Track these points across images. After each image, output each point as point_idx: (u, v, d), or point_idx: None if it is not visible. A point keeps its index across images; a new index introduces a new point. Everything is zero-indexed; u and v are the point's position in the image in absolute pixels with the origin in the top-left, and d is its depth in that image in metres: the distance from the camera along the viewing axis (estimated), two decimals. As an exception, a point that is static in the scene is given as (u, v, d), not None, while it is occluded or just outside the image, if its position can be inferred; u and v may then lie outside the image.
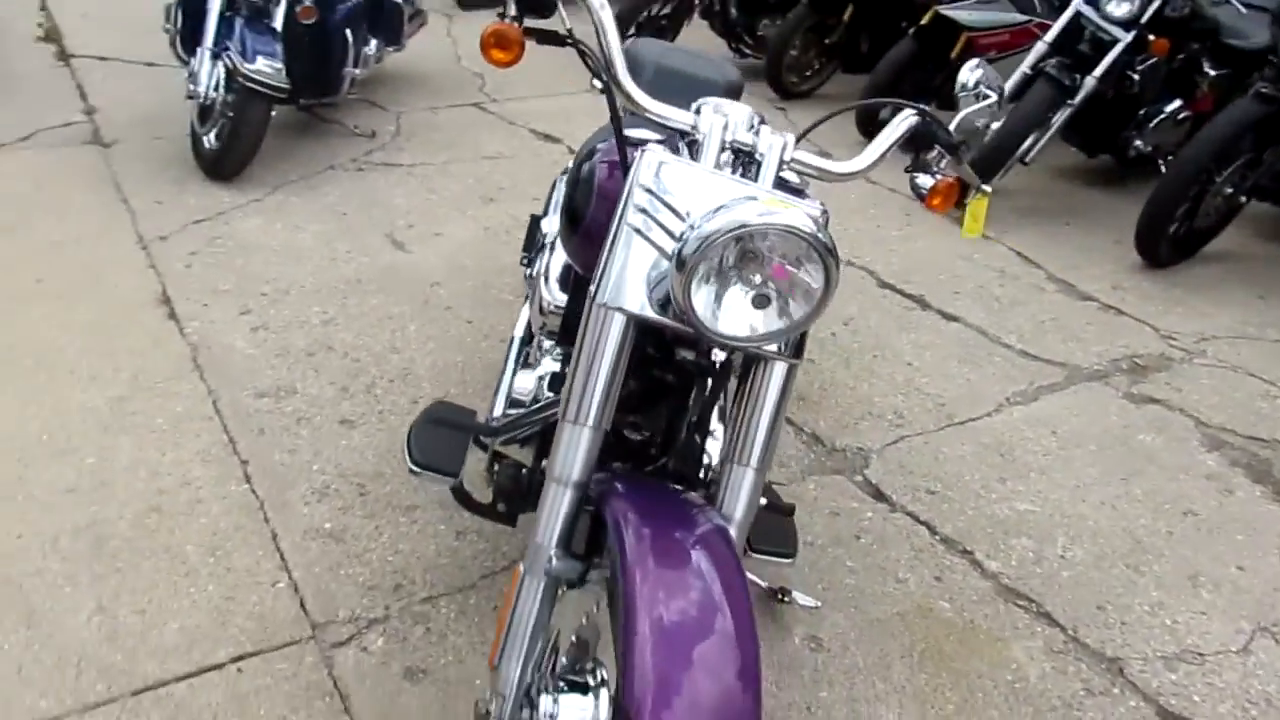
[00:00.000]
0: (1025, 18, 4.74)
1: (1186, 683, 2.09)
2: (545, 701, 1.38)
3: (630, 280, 1.43)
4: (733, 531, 1.47)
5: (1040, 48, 4.25)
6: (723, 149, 1.52)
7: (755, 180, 1.52)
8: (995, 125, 1.98)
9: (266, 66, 3.92)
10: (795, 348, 1.50)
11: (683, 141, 1.59)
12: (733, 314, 1.36)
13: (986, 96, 1.82)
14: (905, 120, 1.66)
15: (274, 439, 2.61)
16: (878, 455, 2.70)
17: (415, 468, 1.90)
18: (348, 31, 4.52)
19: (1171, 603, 2.29)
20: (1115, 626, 2.20)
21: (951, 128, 1.76)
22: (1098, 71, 4.17)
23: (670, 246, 1.36)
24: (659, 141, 1.56)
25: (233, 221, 3.83)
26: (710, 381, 1.68)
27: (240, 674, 1.94)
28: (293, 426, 2.67)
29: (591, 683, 1.40)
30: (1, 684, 1.87)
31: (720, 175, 1.48)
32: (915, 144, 1.76)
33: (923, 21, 4.90)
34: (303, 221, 3.86)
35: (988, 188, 1.88)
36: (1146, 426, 2.91)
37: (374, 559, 2.25)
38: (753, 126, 1.58)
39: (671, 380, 1.67)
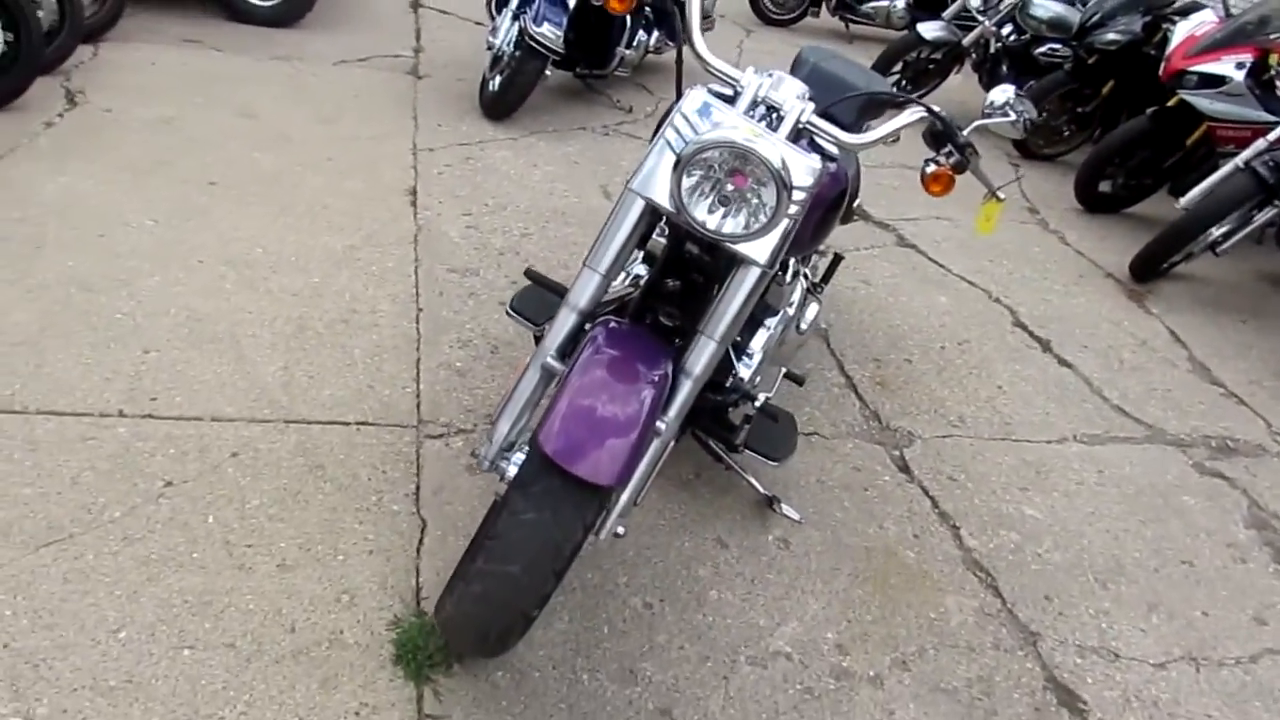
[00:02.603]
0: (1273, 118, 4.69)
1: (1088, 668, 2.30)
2: (516, 455, 1.93)
3: (656, 178, 1.94)
4: (688, 382, 1.95)
5: (1260, 144, 4.26)
6: (756, 103, 2.00)
7: (775, 131, 1.98)
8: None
9: (550, 32, 4.72)
10: (770, 261, 1.95)
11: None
12: (711, 213, 1.84)
13: (1007, 115, 2.15)
14: (913, 114, 2.03)
15: (447, 300, 3.32)
16: (922, 441, 3.02)
17: (510, 311, 2.51)
18: (627, 17, 5.27)
19: (1117, 614, 2.48)
20: (1051, 613, 2.44)
21: (966, 132, 2.11)
22: (1314, 180, 4.13)
23: None
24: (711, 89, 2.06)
25: (487, 150, 4.65)
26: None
27: (357, 432, 2.63)
28: (465, 296, 3.37)
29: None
30: (208, 390, 2.67)
31: (741, 116, 1.95)
32: (935, 141, 2.13)
33: (1168, 104, 4.97)
34: (540, 161, 4.62)
35: (1002, 195, 2.20)
36: (1197, 492, 3.02)
37: (481, 394, 2.89)
38: (800, 95, 2.03)
39: (700, 281, 2.17)
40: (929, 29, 6.26)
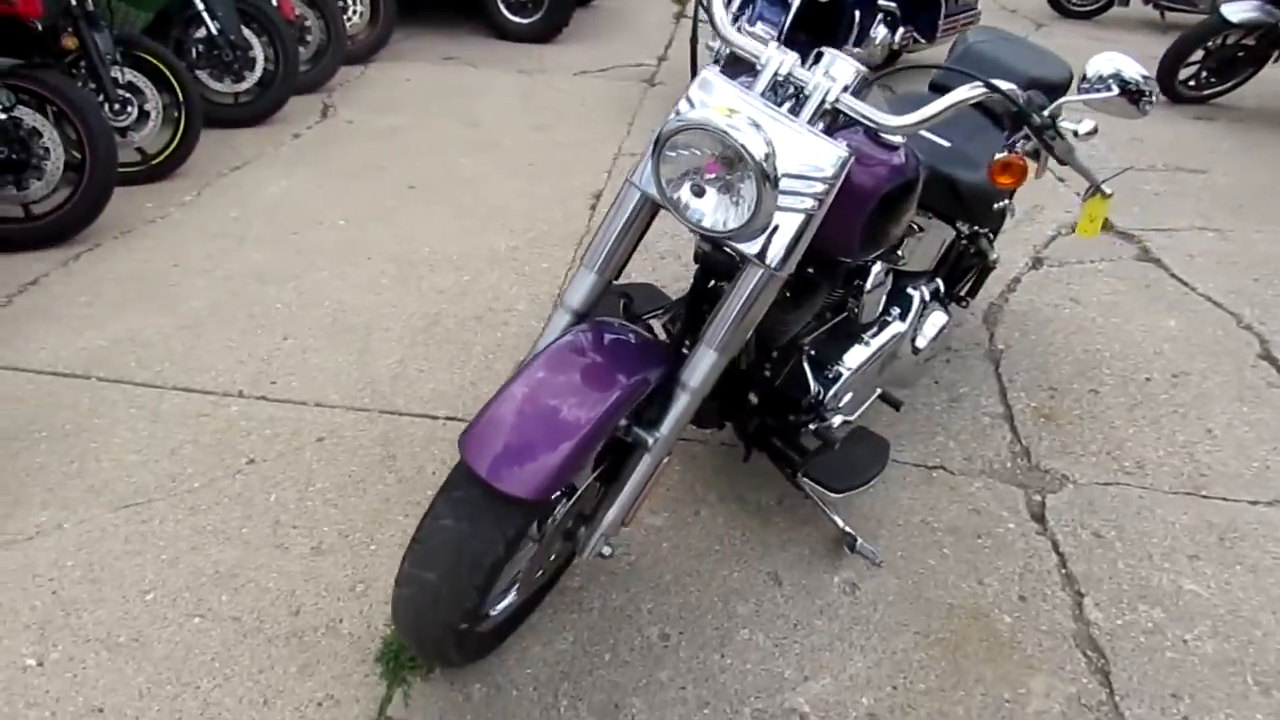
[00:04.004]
0: None
1: (1199, 792, 1.77)
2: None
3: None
4: (684, 395, 1.76)
5: None
6: (777, 82, 1.76)
7: (798, 114, 1.73)
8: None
9: (763, 31, 4.58)
10: (779, 262, 1.70)
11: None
12: (696, 204, 1.64)
13: (1111, 90, 1.71)
14: (969, 90, 1.68)
15: (586, 303, 3.27)
16: (1075, 488, 2.52)
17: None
18: (855, 13, 4.98)
19: (1270, 728, 1.90)
20: (1172, 715, 1.91)
21: (1046, 112, 1.71)
22: None
23: None
24: (726, 70, 1.83)
25: (690, 154, 4.56)
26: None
27: (443, 426, 2.65)
28: (606, 299, 3.30)
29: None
30: (323, 377, 2.81)
31: (752, 98, 1.72)
32: (1014, 124, 1.75)
33: None
34: (741, 166, 4.46)
35: (1108, 189, 1.77)
36: None
37: (581, 398, 2.80)
38: (835, 74, 1.76)
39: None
40: (1235, 10, 5.33)
